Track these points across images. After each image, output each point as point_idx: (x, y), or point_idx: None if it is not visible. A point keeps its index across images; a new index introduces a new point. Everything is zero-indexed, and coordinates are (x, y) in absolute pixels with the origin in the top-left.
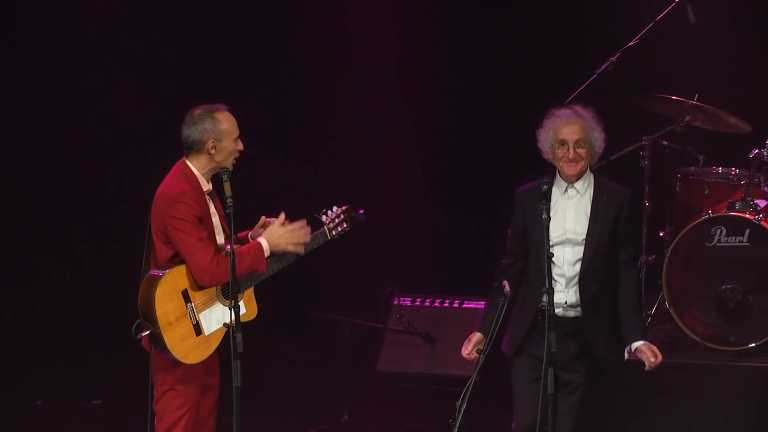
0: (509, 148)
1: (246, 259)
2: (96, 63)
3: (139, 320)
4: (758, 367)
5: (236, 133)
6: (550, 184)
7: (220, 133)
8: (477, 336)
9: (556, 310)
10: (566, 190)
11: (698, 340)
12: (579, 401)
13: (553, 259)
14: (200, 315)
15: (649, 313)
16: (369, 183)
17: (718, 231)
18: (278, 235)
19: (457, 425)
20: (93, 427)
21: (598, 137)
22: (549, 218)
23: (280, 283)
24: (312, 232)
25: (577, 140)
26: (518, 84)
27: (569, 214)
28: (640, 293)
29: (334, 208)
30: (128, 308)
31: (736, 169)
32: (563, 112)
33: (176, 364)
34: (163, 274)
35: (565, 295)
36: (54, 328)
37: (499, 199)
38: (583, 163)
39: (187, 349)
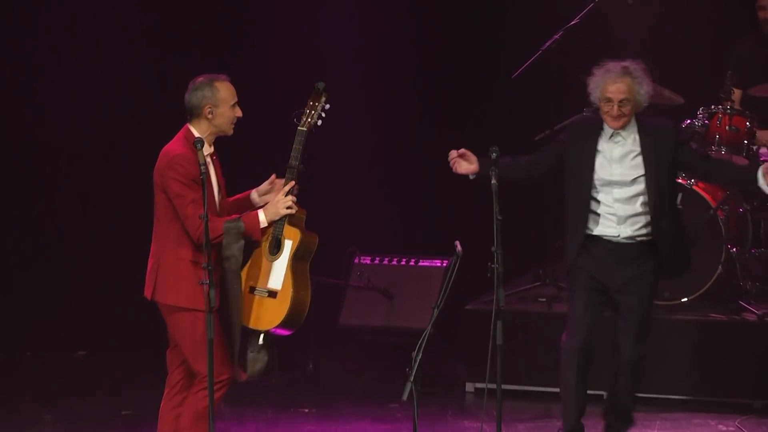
0: (469, 114)
1: (244, 224)
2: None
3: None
4: (690, 320)
5: (233, 100)
6: (498, 153)
7: (217, 100)
8: (468, 153)
9: (611, 237)
10: (612, 135)
11: None
12: (636, 322)
13: (600, 198)
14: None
15: None
16: (334, 150)
17: None
18: (269, 208)
19: (413, 373)
20: (78, 377)
21: (644, 93)
22: (497, 184)
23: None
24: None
25: (622, 99)
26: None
27: (616, 157)
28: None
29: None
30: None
31: None
32: (613, 68)
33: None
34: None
35: (617, 229)
36: (43, 280)
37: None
38: (626, 119)
39: None
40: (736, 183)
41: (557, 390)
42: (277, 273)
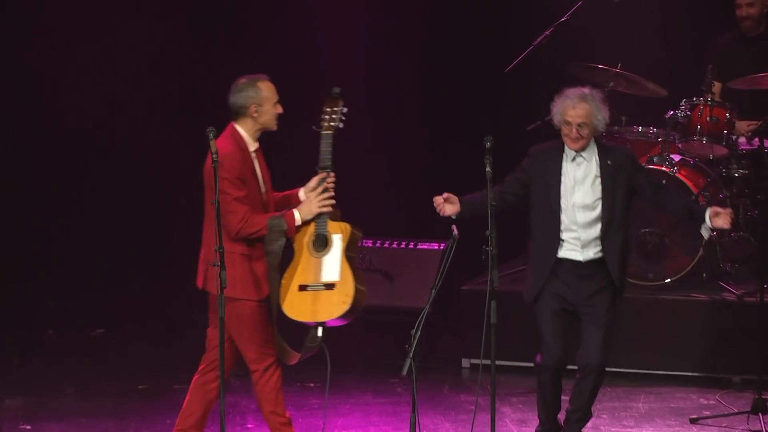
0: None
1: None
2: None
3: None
4: (673, 300)
5: (275, 98)
6: (492, 142)
7: (261, 99)
8: (452, 196)
9: (574, 259)
10: (574, 157)
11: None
12: (601, 332)
13: (564, 222)
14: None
15: None
16: (337, 140)
17: None
18: (304, 206)
19: (412, 350)
20: (97, 354)
21: (601, 119)
22: (491, 171)
23: None
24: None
25: (581, 123)
26: (470, 51)
27: (577, 180)
28: (682, 197)
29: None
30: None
31: (654, 128)
32: (572, 94)
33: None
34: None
35: (581, 254)
36: (64, 264)
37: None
38: (584, 141)
39: None
40: (685, 219)
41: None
42: (330, 267)
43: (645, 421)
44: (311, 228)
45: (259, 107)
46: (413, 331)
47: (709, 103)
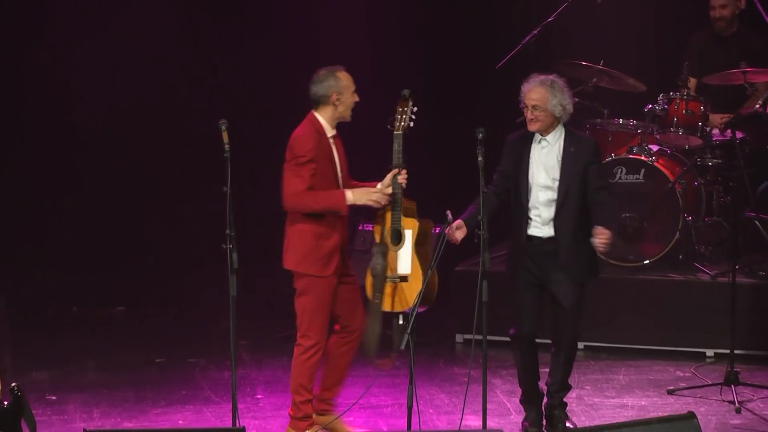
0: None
1: (327, 200)
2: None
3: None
4: (652, 279)
5: (353, 88)
6: (484, 133)
7: (341, 88)
8: (458, 222)
9: (538, 236)
10: (540, 141)
11: (603, 258)
12: (571, 307)
13: (531, 201)
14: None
15: None
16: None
17: (620, 170)
18: (361, 192)
19: (410, 326)
20: (117, 330)
21: (557, 103)
22: (483, 160)
23: (268, 214)
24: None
25: (534, 105)
26: (463, 48)
27: (541, 161)
28: (610, 209)
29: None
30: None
31: (633, 120)
32: (531, 80)
33: None
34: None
35: (542, 230)
36: (86, 246)
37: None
38: (539, 123)
39: None
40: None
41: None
42: (404, 260)
43: (625, 392)
44: (388, 223)
45: (339, 95)
46: (411, 309)
47: (685, 97)
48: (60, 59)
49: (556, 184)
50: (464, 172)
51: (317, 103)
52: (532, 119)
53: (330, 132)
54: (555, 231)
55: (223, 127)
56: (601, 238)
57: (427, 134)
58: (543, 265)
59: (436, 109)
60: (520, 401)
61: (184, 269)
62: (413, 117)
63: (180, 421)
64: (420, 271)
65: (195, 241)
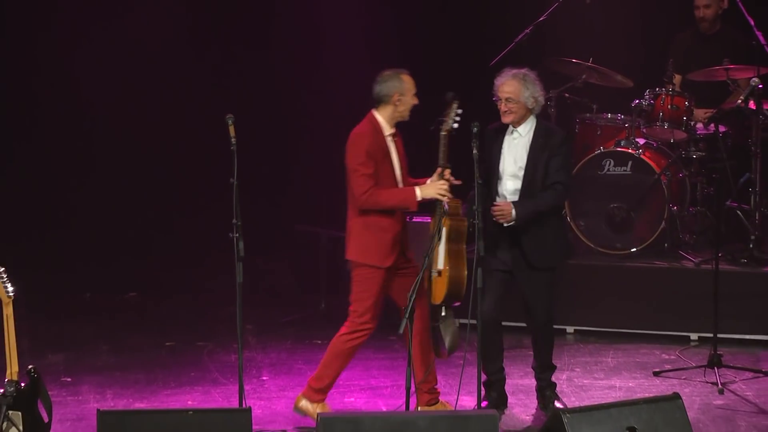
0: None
1: (399, 196)
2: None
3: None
4: (639, 266)
5: (414, 90)
6: (479, 127)
7: (403, 90)
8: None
9: (506, 225)
10: (512, 132)
11: (592, 246)
12: (540, 292)
13: (500, 189)
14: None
15: None
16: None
17: (608, 162)
18: (429, 187)
19: (408, 311)
20: (129, 315)
21: (529, 97)
22: (478, 153)
23: (275, 206)
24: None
25: (507, 97)
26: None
27: (512, 152)
28: (549, 201)
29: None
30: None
31: (621, 115)
32: (504, 73)
33: None
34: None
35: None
36: (100, 234)
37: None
38: (512, 115)
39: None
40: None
41: (525, 325)
42: (441, 256)
43: (613, 373)
44: (435, 220)
45: (401, 96)
46: (409, 294)
47: (670, 93)
48: (72, 46)
49: (521, 173)
50: (462, 165)
51: (379, 102)
52: (505, 111)
53: (388, 130)
54: (516, 216)
55: (230, 122)
56: (499, 206)
57: (426, 133)
58: (511, 252)
59: (430, 107)
60: (483, 383)
61: (193, 258)
62: (457, 118)
63: (189, 402)
64: (447, 269)
65: (206, 231)
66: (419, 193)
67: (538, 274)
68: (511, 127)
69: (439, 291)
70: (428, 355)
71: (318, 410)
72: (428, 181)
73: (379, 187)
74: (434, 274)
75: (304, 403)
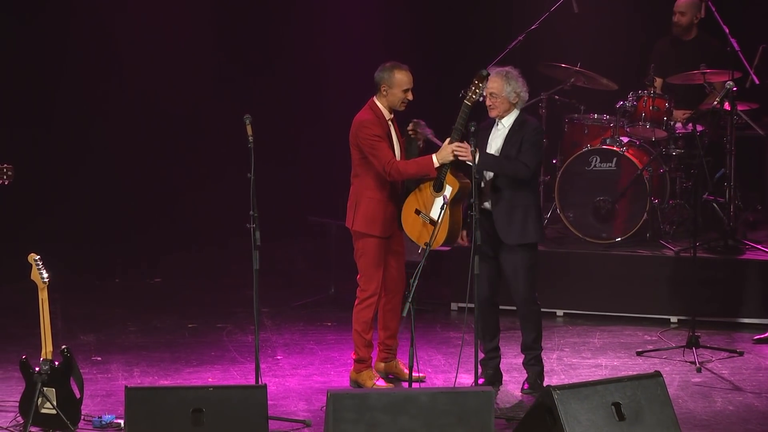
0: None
1: (419, 163)
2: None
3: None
4: (623, 254)
5: (407, 86)
6: (477, 126)
7: (392, 83)
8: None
9: (488, 210)
10: (497, 125)
11: (580, 235)
12: (521, 274)
13: (485, 177)
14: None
15: (546, 216)
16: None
17: (594, 159)
18: (442, 151)
19: (411, 295)
20: (155, 298)
21: (511, 92)
22: (476, 149)
23: (289, 196)
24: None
25: (492, 93)
26: (456, 52)
27: (495, 141)
28: (511, 167)
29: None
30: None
31: (606, 115)
32: (492, 71)
33: None
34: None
35: (488, 204)
36: (127, 223)
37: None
38: (497, 109)
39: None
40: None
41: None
42: (437, 207)
43: (600, 353)
44: (441, 174)
45: (388, 89)
46: (411, 280)
47: (652, 95)
48: (105, 19)
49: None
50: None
51: (376, 89)
52: (490, 106)
53: (388, 115)
54: (491, 202)
55: (247, 121)
56: (463, 145)
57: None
58: (493, 237)
59: (428, 109)
60: (480, 362)
61: (213, 247)
62: (483, 95)
63: (210, 379)
64: (446, 223)
65: (226, 222)
66: (436, 159)
67: (514, 255)
68: (497, 120)
69: (429, 237)
70: (393, 320)
71: (365, 378)
72: (434, 156)
73: (398, 160)
74: (425, 219)
75: (353, 375)
